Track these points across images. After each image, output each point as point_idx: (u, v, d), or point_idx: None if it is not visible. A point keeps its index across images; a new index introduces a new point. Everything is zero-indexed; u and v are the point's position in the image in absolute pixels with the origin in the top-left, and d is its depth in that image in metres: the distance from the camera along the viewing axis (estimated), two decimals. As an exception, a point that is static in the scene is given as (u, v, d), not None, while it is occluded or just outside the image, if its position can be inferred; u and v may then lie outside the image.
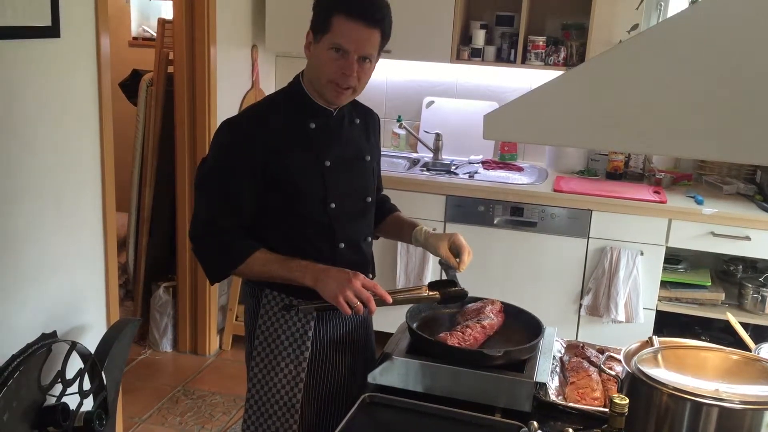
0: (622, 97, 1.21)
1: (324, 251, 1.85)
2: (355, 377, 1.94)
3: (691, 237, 3.33)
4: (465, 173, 3.72)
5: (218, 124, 3.68)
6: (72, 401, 2.18)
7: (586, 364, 1.83)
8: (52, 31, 2.47)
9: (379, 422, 1.63)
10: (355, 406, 1.63)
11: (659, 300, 3.42)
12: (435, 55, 3.75)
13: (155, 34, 3.95)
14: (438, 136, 3.95)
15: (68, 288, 2.70)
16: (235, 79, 3.87)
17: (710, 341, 2.37)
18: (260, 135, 1.79)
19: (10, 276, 2.42)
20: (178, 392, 3.54)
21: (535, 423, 1.44)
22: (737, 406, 1.38)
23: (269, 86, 4.19)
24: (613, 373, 1.69)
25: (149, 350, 3.92)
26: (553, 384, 1.74)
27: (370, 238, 2.00)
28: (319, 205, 1.84)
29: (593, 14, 3.50)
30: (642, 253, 3.37)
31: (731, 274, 3.58)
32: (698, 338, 2.99)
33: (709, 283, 3.45)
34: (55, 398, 2.14)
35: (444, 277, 1.92)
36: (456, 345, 1.73)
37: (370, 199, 1.96)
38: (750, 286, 3.37)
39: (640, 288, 3.39)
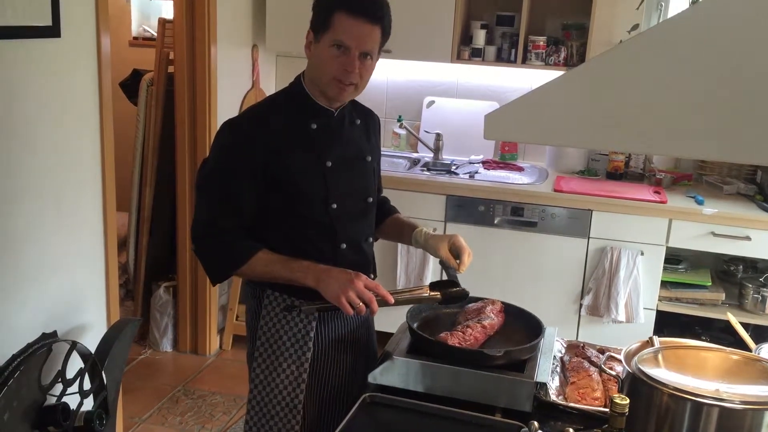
0: (622, 97, 1.21)
1: (325, 252, 1.85)
2: (356, 377, 1.94)
3: (692, 237, 3.33)
4: (465, 173, 3.72)
5: (219, 123, 3.69)
6: (72, 401, 2.18)
7: (586, 364, 1.83)
8: (52, 30, 2.47)
9: (380, 422, 1.63)
10: (356, 406, 1.64)
11: (659, 300, 3.42)
12: (435, 55, 3.75)
13: (156, 34, 3.95)
14: (438, 136, 3.95)
15: (69, 288, 2.70)
16: (236, 79, 3.87)
17: (710, 341, 2.37)
18: (261, 136, 1.79)
19: (11, 276, 2.42)
20: (178, 392, 3.54)
21: (536, 423, 1.44)
22: (738, 407, 1.38)
23: (270, 86, 4.19)
24: (613, 373, 1.69)
25: (149, 350, 3.92)
26: (553, 384, 1.74)
27: (371, 239, 2.00)
28: (320, 206, 1.84)
29: (594, 14, 3.50)
30: (642, 253, 3.37)
31: (731, 274, 3.58)
32: (698, 338, 3.00)
33: (710, 283, 3.45)
34: (55, 398, 2.14)
35: (444, 277, 1.92)
36: (456, 345, 1.73)
37: (371, 200, 1.96)
38: (750, 286, 3.37)
39: (641, 288, 3.39)
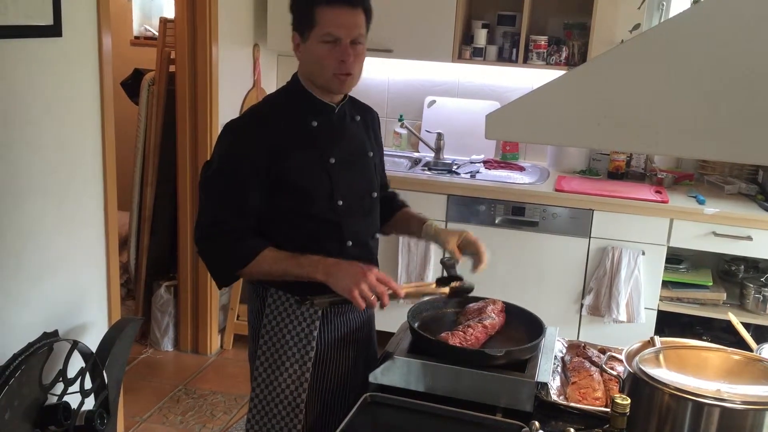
0: (623, 97, 1.21)
1: (332, 250, 1.84)
2: (357, 376, 1.94)
3: (693, 237, 3.33)
4: (466, 173, 3.72)
5: (220, 123, 3.70)
6: (73, 400, 2.18)
7: (587, 364, 1.83)
8: (54, 30, 2.47)
9: (381, 422, 1.63)
10: (357, 405, 1.63)
11: (661, 300, 3.42)
12: (437, 54, 3.75)
13: (157, 33, 3.95)
14: (439, 135, 3.95)
15: (70, 287, 2.70)
16: (237, 78, 3.87)
17: (712, 341, 2.37)
18: (263, 136, 1.79)
19: (12, 275, 2.42)
20: (179, 391, 3.54)
21: (537, 423, 1.44)
22: (739, 407, 1.38)
23: (271, 85, 4.19)
24: (614, 373, 1.68)
25: (150, 349, 3.92)
26: (554, 384, 1.74)
27: (377, 235, 2.00)
28: (326, 203, 1.84)
29: (595, 14, 3.49)
30: (643, 253, 3.37)
31: (733, 274, 3.58)
32: (699, 338, 3.00)
33: (711, 283, 3.45)
34: (56, 397, 2.14)
35: (446, 275, 1.93)
36: (457, 345, 1.73)
37: (375, 195, 1.96)
38: (751, 286, 3.37)
39: (642, 288, 3.39)
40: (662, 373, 1.48)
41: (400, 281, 3.63)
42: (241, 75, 3.92)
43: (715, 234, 3.29)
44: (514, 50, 3.74)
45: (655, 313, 3.42)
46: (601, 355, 1.86)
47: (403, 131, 4.12)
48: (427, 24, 3.68)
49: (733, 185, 3.58)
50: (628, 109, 1.20)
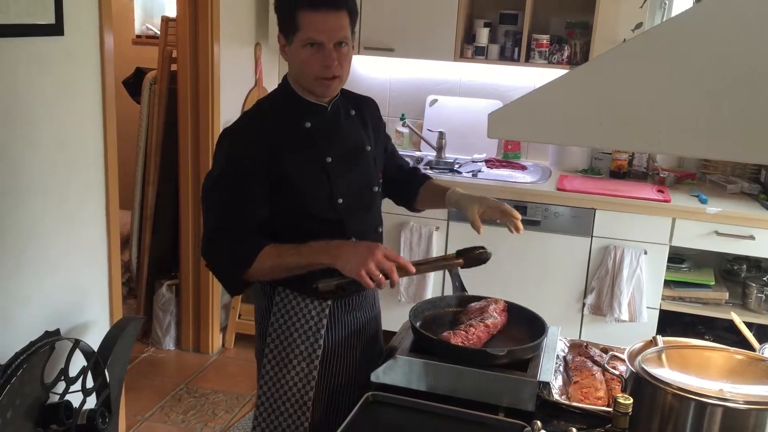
0: (626, 96, 1.20)
1: None
2: (364, 373, 1.94)
3: (695, 236, 3.32)
4: (468, 172, 3.72)
5: (221, 122, 3.70)
6: (75, 399, 2.18)
7: (589, 363, 1.83)
8: (55, 28, 2.47)
9: (382, 421, 1.63)
10: (358, 404, 1.63)
11: (663, 299, 3.42)
12: (438, 53, 3.75)
13: (159, 32, 3.95)
14: (441, 134, 3.95)
15: (71, 286, 2.71)
16: (239, 77, 3.87)
17: (714, 341, 2.37)
18: (260, 139, 1.79)
19: (14, 273, 2.42)
20: (180, 390, 3.54)
21: (539, 422, 1.44)
22: (741, 406, 1.38)
23: (272, 84, 4.19)
24: (616, 372, 1.68)
25: (152, 348, 3.92)
26: (556, 383, 1.74)
27: (380, 229, 2.00)
28: (326, 203, 1.84)
29: (597, 12, 3.49)
30: (645, 252, 3.36)
31: (735, 273, 3.57)
32: (702, 338, 2.99)
33: (713, 283, 3.45)
34: (58, 396, 2.14)
35: (448, 276, 1.93)
36: (459, 344, 1.73)
37: (376, 189, 1.96)
38: (754, 285, 3.37)
39: (644, 287, 3.38)
40: (665, 372, 1.48)
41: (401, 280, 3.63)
42: (243, 74, 3.92)
43: (718, 233, 3.28)
44: (516, 49, 3.73)
45: (657, 312, 3.42)
46: (604, 355, 1.85)
47: (405, 130, 4.12)
48: (429, 23, 3.67)
49: (735, 184, 3.57)
50: (631, 109, 1.20)
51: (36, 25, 2.39)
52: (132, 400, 3.32)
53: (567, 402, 1.68)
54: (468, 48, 3.78)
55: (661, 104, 1.18)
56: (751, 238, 3.26)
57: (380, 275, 1.63)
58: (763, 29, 1.11)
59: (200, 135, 3.68)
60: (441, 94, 4.08)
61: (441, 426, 1.61)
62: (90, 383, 2.26)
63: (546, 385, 1.68)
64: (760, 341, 1.83)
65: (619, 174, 3.75)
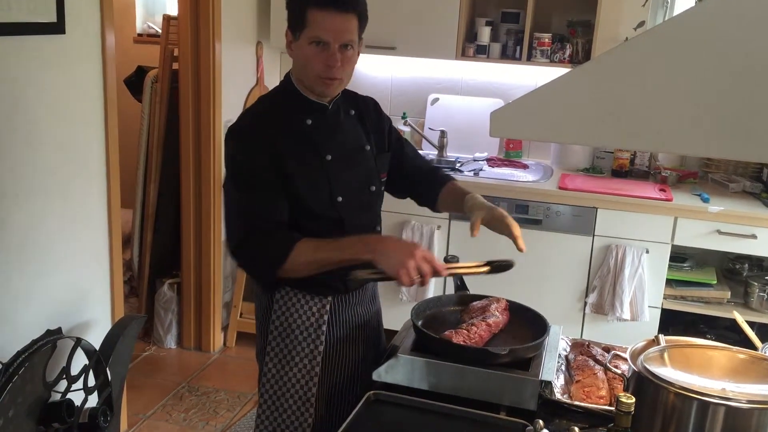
0: (628, 94, 1.20)
1: None
2: (366, 370, 1.94)
3: (697, 235, 3.32)
4: (470, 170, 3.72)
5: (223, 120, 3.70)
6: (77, 397, 2.18)
7: (591, 362, 1.83)
8: (57, 27, 2.47)
9: (384, 420, 1.63)
10: (360, 403, 1.63)
11: (664, 298, 3.41)
12: (440, 52, 3.74)
13: (160, 31, 3.95)
14: (443, 133, 3.95)
15: (73, 284, 2.71)
16: (240, 76, 3.87)
17: (716, 340, 2.36)
18: (264, 138, 1.80)
19: (16, 272, 2.42)
20: (182, 389, 3.54)
21: (541, 421, 1.44)
22: (744, 406, 1.38)
23: (273, 83, 4.17)
24: (618, 371, 1.68)
25: (154, 347, 3.93)
26: (558, 382, 1.74)
27: (378, 228, 2.00)
28: (326, 201, 1.84)
29: (599, 11, 3.48)
30: (647, 251, 3.36)
31: (737, 272, 3.57)
32: (704, 337, 2.99)
33: (715, 282, 3.44)
34: (60, 394, 2.15)
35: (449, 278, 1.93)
36: (461, 343, 1.73)
37: (374, 188, 1.95)
38: (756, 284, 3.36)
39: (646, 286, 3.38)
40: (667, 371, 1.48)
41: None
42: (244, 72, 3.92)
43: (720, 232, 3.28)
44: (518, 48, 3.73)
45: (659, 311, 3.42)
46: (606, 354, 1.85)
47: (407, 129, 4.11)
48: (431, 21, 3.67)
49: (737, 183, 3.57)
50: (633, 107, 1.20)
51: (37, 24, 2.39)
52: (133, 399, 3.32)
53: (569, 401, 1.68)
54: (470, 47, 3.77)
55: (664, 103, 1.18)
56: (753, 237, 3.25)
57: (417, 276, 1.64)
58: (765, 28, 1.11)
59: (202, 134, 3.68)
60: (442, 92, 4.08)
61: (442, 425, 1.61)
62: (92, 382, 2.27)
63: (548, 384, 1.68)
64: (763, 340, 1.83)
65: (620, 173, 3.75)
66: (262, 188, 1.78)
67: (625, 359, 1.60)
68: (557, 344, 1.88)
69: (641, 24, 3.35)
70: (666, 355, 1.56)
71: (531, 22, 3.66)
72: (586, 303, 3.49)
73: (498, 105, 3.78)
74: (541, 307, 1.95)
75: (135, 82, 4.00)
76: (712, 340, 2.27)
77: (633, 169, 3.79)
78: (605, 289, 3.41)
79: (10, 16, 2.27)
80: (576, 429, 1.42)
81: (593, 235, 3.43)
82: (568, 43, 3.67)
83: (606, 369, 1.73)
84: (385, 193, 2.05)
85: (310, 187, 1.82)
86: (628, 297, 3.37)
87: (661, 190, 3.49)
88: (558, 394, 1.69)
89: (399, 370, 1.73)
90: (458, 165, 3.79)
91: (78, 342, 2.21)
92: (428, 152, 4.03)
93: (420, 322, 1.85)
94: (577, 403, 1.67)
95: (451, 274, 1.78)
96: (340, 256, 1.73)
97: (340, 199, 1.85)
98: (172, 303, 3.88)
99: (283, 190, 1.79)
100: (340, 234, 1.85)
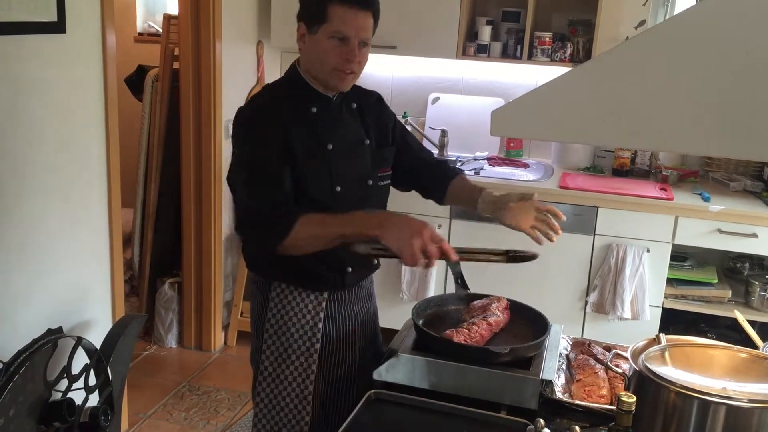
0: (629, 93, 1.20)
1: None
2: (364, 367, 1.94)
3: (698, 234, 3.32)
4: (471, 170, 3.71)
5: (224, 120, 3.69)
6: (77, 396, 2.18)
7: (592, 361, 1.82)
8: (57, 26, 2.47)
9: (385, 419, 1.63)
10: (361, 402, 1.63)
11: (665, 297, 3.41)
12: (441, 51, 3.74)
13: (161, 30, 3.95)
14: (443, 132, 3.95)
15: (74, 283, 2.71)
16: (241, 75, 3.87)
17: (717, 339, 2.36)
18: (274, 123, 1.81)
19: (16, 271, 2.42)
20: (183, 388, 3.55)
21: (542, 420, 1.44)
22: (745, 405, 1.38)
23: (274, 82, 4.19)
24: (619, 370, 1.68)
25: (154, 346, 3.93)
26: (559, 381, 1.74)
27: None
28: (326, 189, 1.85)
29: (600, 10, 3.48)
30: (648, 251, 3.36)
31: (738, 271, 3.57)
32: (704, 336, 2.99)
33: (716, 281, 3.44)
34: (60, 393, 2.15)
35: (450, 275, 1.92)
36: (462, 342, 1.73)
37: (371, 182, 1.96)
38: (757, 283, 3.36)
39: (646, 285, 3.38)
40: (668, 371, 1.48)
41: (403, 280, 3.62)
42: (245, 72, 3.92)
43: (720, 231, 3.28)
44: (519, 47, 3.73)
45: (660, 310, 3.42)
46: (606, 353, 1.85)
47: (407, 128, 4.11)
48: (432, 20, 3.67)
49: (738, 182, 3.57)
50: (634, 106, 1.20)
51: (38, 23, 2.39)
52: (134, 398, 3.32)
53: (570, 400, 1.68)
54: (470, 46, 3.77)
55: (664, 102, 1.18)
56: (754, 236, 3.25)
57: (422, 257, 1.59)
58: (767, 26, 1.10)
59: (202, 133, 3.68)
60: (443, 92, 4.08)
61: (443, 424, 1.61)
62: (92, 381, 2.27)
63: (549, 383, 1.67)
64: (764, 339, 1.83)
65: (621, 172, 3.75)
66: (270, 169, 1.78)
67: (626, 358, 1.60)
68: (558, 343, 1.87)
69: (642, 23, 3.35)
70: (667, 354, 1.56)
71: (532, 21, 3.66)
72: (586, 302, 3.48)
73: (499, 104, 3.78)
74: (541, 306, 1.95)
75: (135, 82, 4.01)
76: (713, 339, 2.26)
77: (634, 168, 3.79)
78: (606, 288, 3.41)
79: (11, 16, 2.27)
80: (577, 428, 1.42)
81: (594, 234, 3.43)
82: (569, 42, 3.67)
83: (607, 368, 1.73)
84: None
85: (311, 174, 1.83)
86: (628, 296, 3.37)
87: (662, 189, 3.49)
88: (559, 394, 1.69)
89: (400, 369, 1.73)
90: (459, 164, 3.79)
91: (79, 341, 2.22)
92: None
93: (421, 321, 1.85)
94: (578, 402, 1.67)
95: (462, 259, 1.70)
96: (344, 230, 1.69)
97: (339, 189, 1.86)
98: (173, 302, 3.88)
99: (288, 173, 1.80)
100: None
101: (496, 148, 4.03)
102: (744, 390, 1.41)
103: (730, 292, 3.41)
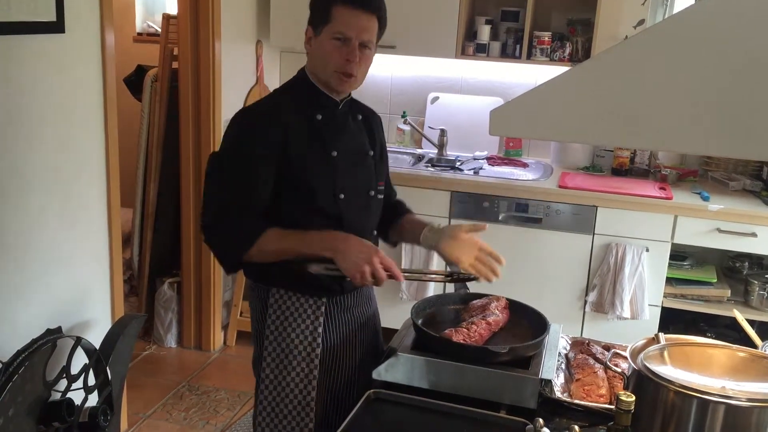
0: (628, 93, 1.20)
1: None
2: (365, 371, 1.94)
3: (697, 233, 3.32)
4: (470, 169, 3.72)
5: (223, 119, 3.70)
6: (77, 396, 2.18)
7: (591, 361, 1.83)
8: (56, 26, 2.47)
9: (384, 419, 1.63)
10: (360, 402, 1.63)
11: (664, 297, 3.41)
12: (440, 50, 3.74)
13: (160, 30, 3.95)
14: (443, 132, 3.95)
15: (73, 283, 2.71)
16: (240, 75, 3.87)
17: (716, 338, 2.36)
18: (273, 126, 1.81)
19: (16, 271, 2.42)
20: (182, 388, 3.54)
21: (541, 420, 1.44)
22: (744, 404, 1.38)
23: (274, 82, 4.19)
24: (619, 370, 1.68)
25: (154, 346, 3.93)
26: (558, 381, 1.74)
27: (375, 231, 2.00)
28: (329, 197, 1.85)
29: (599, 9, 3.48)
30: (647, 250, 3.36)
31: (737, 270, 3.57)
32: (704, 335, 2.99)
33: (715, 280, 3.44)
34: (60, 393, 2.15)
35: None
36: (461, 341, 1.73)
37: (372, 193, 1.97)
38: (756, 282, 3.36)
39: (646, 284, 3.38)
40: (667, 370, 1.48)
41: (402, 281, 3.61)
42: (244, 71, 3.92)
43: (720, 230, 3.28)
44: (518, 46, 3.73)
45: (659, 309, 3.42)
46: (606, 352, 1.85)
47: (407, 128, 4.11)
48: (431, 20, 3.67)
49: (737, 182, 3.57)
50: (633, 106, 1.20)
51: (37, 23, 2.39)
52: (134, 398, 3.32)
53: (569, 399, 1.68)
54: (469, 45, 3.77)
55: (663, 101, 1.18)
56: (753, 235, 3.25)
57: (371, 279, 1.73)
58: (765, 26, 1.10)
59: (201, 133, 3.68)
60: (442, 91, 4.08)
61: (443, 423, 1.61)
62: (92, 381, 2.27)
63: (548, 383, 1.68)
64: (763, 338, 1.83)
65: (620, 171, 3.75)
66: (252, 174, 1.80)
67: (625, 357, 1.60)
68: (557, 343, 1.88)
69: (641, 22, 3.35)
70: (666, 354, 1.56)
71: (531, 20, 3.66)
72: (586, 301, 3.49)
73: (498, 103, 3.77)
74: (541, 305, 1.95)
75: (135, 82, 4.00)
76: (712, 338, 2.26)
77: (633, 167, 3.79)
78: (605, 288, 3.41)
79: (10, 16, 2.27)
80: (576, 427, 1.42)
81: (593, 234, 3.43)
82: (568, 42, 3.67)
83: (606, 367, 1.73)
84: None
85: (314, 180, 1.83)
86: (628, 295, 3.37)
87: (661, 188, 3.49)
88: (558, 393, 1.69)
89: (399, 369, 1.73)
90: (458, 164, 3.79)
91: (78, 341, 2.22)
92: (428, 151, 4.03)
93: (420, 321, 1.85)
94: (577, 401, 1.67)
95: (408, 279, 1.96)
96: (303, 250, 1.78)
97: (342, 196, 1.86)
98: (172, 302, 3.88)
99: (271, 182, 1.81)
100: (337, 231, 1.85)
101: (496, 148, 4.03)
102: (743, 389, 1.42)
103: (729, 291, 3.41)
